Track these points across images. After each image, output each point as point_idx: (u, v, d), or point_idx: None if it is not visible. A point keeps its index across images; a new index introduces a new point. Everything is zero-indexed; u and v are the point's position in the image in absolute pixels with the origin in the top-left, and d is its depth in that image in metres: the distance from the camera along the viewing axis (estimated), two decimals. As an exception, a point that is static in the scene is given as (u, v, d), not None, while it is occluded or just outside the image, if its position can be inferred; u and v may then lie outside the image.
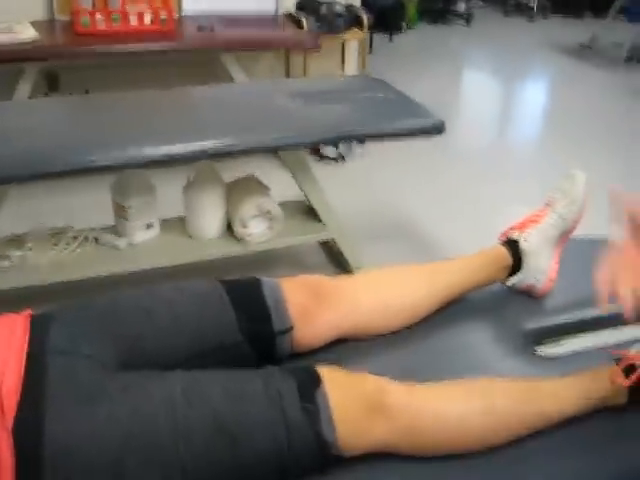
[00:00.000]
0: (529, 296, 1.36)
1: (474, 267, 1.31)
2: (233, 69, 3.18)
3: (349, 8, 3.60)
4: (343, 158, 3.54)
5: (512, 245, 1.36)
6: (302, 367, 0.98)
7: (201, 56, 3.21)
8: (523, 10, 7.40)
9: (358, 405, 0.93)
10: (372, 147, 3.65)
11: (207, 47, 3.05)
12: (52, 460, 0.79)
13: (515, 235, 1.37)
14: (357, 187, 3.30)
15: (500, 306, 1.33)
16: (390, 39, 5.86)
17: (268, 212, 2.29)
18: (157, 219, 2.30)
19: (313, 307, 1.10)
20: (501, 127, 4.58)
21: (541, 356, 1.21)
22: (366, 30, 3.64)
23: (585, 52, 6.16)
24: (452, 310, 1.26)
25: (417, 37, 6.37)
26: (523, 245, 1.34)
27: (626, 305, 0.91)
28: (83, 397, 0.84)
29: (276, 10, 3.45)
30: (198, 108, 2.28)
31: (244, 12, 3.38)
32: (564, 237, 1.39)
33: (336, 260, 2.64)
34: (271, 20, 3.41)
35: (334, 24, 3.51)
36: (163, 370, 0.91)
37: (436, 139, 3.48)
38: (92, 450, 0.81)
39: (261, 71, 3.60)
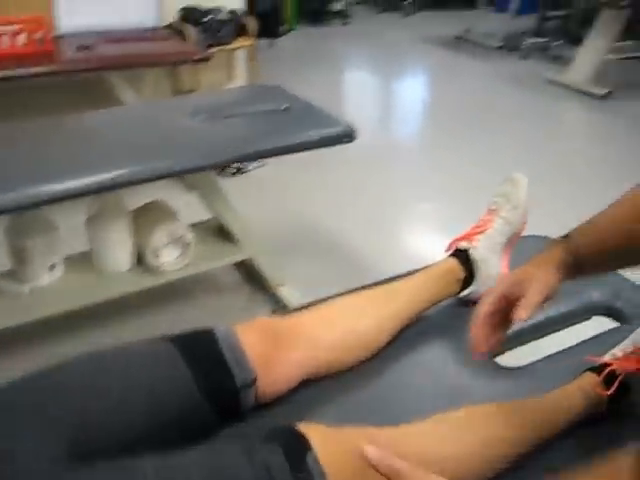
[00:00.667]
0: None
1: (427, 286, 1.25)
2: (120, 88, 3.01)
3: (233, 15, 3.49)
4: (241, 170, 3.44)
5: (461, 256, 1.32)
6: (284, 430, 0.87)
7: (85, 77, 3.02)
8: (396, 6, 7.52)
9: (352, 465, 0.84)
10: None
11: (90, 67, 2.86)
12: None
13: (463, 245, 1.32)
14: (261, 199, 3.21)
15: (451, 321, 1.29)
16: (271, 44, 5.79)
17: (180, 238, 2.16)
18: (61, 257, 2.13)
19: (273, 352, 1.01)
20: (388, 124, 4.61)
21: (505, 366, 1.18)
22: (253, 37, 3.55)
23: (460, 43, 6.34)
24: (407, 334, 1.20)
25: (297, 40, 6.33)
26: (473, 254, 1.31)
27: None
28: None
29: (158, 22, 3.30)
30: (92, 136, 2.09)
31: (125, 26, 3.20)
32: (511, 242, 1.37)
33: (253, 279, 2.54)
34: (154, 33, 3.25)
35: (220, 34, 3.40)
36: (122, 453, 0.79)
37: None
38: None
39: (148, 87, 3.43)
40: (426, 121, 4.77)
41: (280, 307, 2.36)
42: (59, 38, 3.01)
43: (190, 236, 2.17)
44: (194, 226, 2.30)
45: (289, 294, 2.39)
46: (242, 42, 3.54)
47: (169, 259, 2.17)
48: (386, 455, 0.81)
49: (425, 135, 4.42)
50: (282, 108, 2.23)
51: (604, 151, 4.00)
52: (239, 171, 3.39)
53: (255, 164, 3.50)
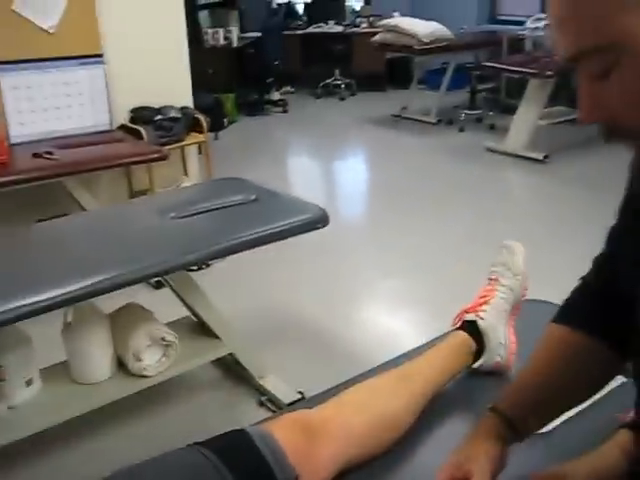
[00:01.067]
0: (496, 375, 1.32)
1: (444, 362, 1.25)
2: (77, 193, 2.99)
3: (185, 111, 3.54)
4: (206, 265, 3.41)
5: (469, 328, 1.32)
6: None
7: (40, 184, 2.98)
8: (332, 91, 7.77)
9: None
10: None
11: (47, 175, 2.84)
12: None
13: (470, 317, 1.33)
14: (230, 291, 3.18)
15: (469, 394, 1.28)
16: (216, 137, 5.87)
17: (162, 339, 2.11)
18: (37, 370, 2.04)
19: (309, 447, 0.98)
20: (336, 206, 4.64)
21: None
22: (206, 132, 3.60)
23: (398, 121, 6.56)
24: (429, 412, 1.18)
25: (240, 131, 6.44)
26: (481, 325, 1.31)
27: None
28: None
29: (110, 124, 3.32)
30: (64, 244, 2.05)
31: (78, 131, 3.21)
32: (515, 309, 1.39)
33: (235, 374, 2.48)
34: (108, 136, 3.26)
35: (172, 131, 3.44)
36: None
37: None
38: None
39: (104, 189, 3.42)
40: (373, 199, 4.87)
41: (267, 399, 2.31)
42: (13, 146, 2.99)
43: (172, 336, 2.12)
44: (172, 325, 2.25)
45: (274, 385, 2.35)
46: (195, 138, 3.58)
47: (151, 361, 2.11)
48: None
49: (375, 213, 4.50)
50: (251, 199, 2.25)
51: (550, 209, 4.15)
52: (203, 266, 3.35)
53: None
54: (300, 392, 2.26)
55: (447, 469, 0.96)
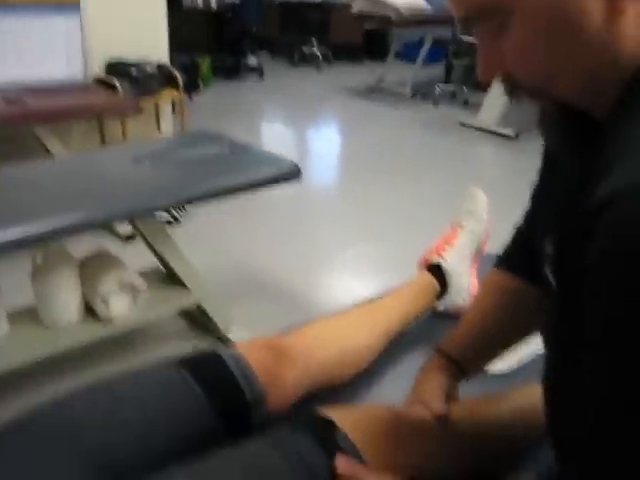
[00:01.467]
0: (455, 318, 1.36)
1: (409, 300, 1.29)
2: (48, 141, 2.97)
3: (161, 68, 3.52)
4: (177, 220, 3.42)
5: (434, 269, 1.36)
6: (308, 417, 0.89)
7: (10, 131, 2.95)
8: (309, 60, 7.74)
9: (379, 434, 0.88)
10: (202, 205, 3.57)
11: (18, 121, 2.81)
12: None
13: (435, 259, 1.37)
14: (200, 247, 3.19)
15: (432, 333, 1.32)
16: (190, 99, 5.82)
17: (130, 285, 2.12)
18: (4, 313, 2.04)
19: (276, 368, 1.01)
20: (308, 172, 4.67)
21: (492, 374, 1.21)
22: (181, 89, 3.58)
23: (373, 93, 6.57)
24: (393, 349, 1.23)
25: (215, 95, 6.40)
26: (445, 267, 1.35)
27: None
28: None
29: (85, 75, 3.28)
30: (36, 187, 2.04)
31: (50, 80, 3.16)
32: (478, 253, 1.43)
33: (200, 326, 2.51)
34: (81, 87, 3.22)
35: (148, 86, 3.41)
36: (146, 474, 0.77)
37: (255, 193, 3.65)
38: None
39: (76, 140, 3.39)
40: (345, 167, 4.88)
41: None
42: (-16, 92, 2.95)
43: (141, 282, 2.13)
44: (141, 274, 2.26)
45: (239, 337, 2.37)
46: (169, 93, 3.55)
47: (119, 307, 2.12)
48: (352, 468, 0.83)
49: (346, 180, 4.52)
50: (225, 152, 2.26)
51: (518, 183, 4.19)
52: (175, 221, 3.36)
53: (187, 214, 3.49)
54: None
55: (405, 407, 1.00)
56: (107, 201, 1.85)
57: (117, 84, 3.20)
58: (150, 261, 2.44)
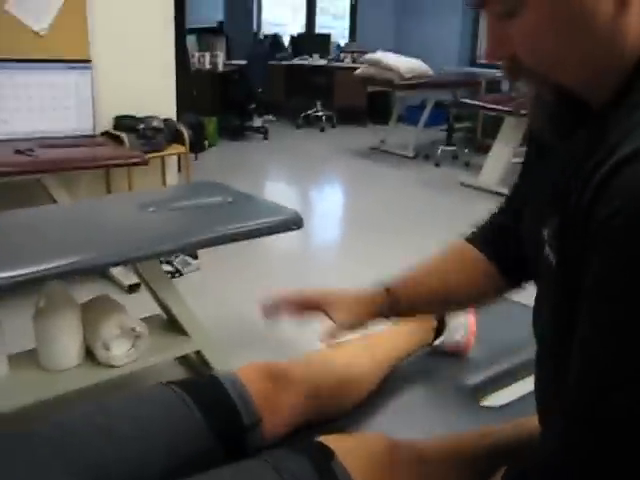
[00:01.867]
0: (455, 355, 1.37)
1: (406, 335, 1.30)
2: (55, 191, 3.02)
3: (168, 124, 3.60)
4: (180, 272, 3.45)
5: None
6: (306, 443, 0.89)
7: (19, 180, 3.01)
8: (312, 122, 7.90)
9: (375, 466, 0.87)
10: (205, 259, 3.61)
11: (27, 170, 2.87)
12: None
13: None
14: (202, 300, 3.21)
15: (433, 370, 1.33)
16: (195, 158, 5.93)
17: (132, 330, 2.14)
18: (5, 356, 2.05)
19: (274, 393, 1.02)
20: (310, 230, 4.71)
21: (489, 407, 1.22)
22: (187, 144, 3.66)
23: (376, 154, 6.68)
24: (390, 382, 1.24)
25: (220, 154, 6.52)
26: None
27: None
28: None
29: (93, 129, 3.37)
30: (36, 230, 2.07)
31: (61, 133, 3.25)
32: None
33: (200, 374, 2.50)
34: (90, 140, 3.30)
35: (154, 140, 3.49)
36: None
37: (259, 246, 3.65)
38: None
39: (82, 191, 3.45)
40: (347, 225, 4.95)
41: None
42: (-4, 143, 3.02)
43: (142, 327, 2.15)
44: (141, 320, 2.28)
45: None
46: (176, 149, 3.63)
47: (120, 352, 2.13)
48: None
49: (348, 238, 4.58)
50: (228, 200, 2.31)
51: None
52: (177, 273, 3.39)
53: (190, 267, 3.52)
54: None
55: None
56: (110, 244, 1.89)
57: (124, 137, 3.28)
58: (152, 311, 2.47)
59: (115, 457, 0.83)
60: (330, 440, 0.90)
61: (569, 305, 0.66)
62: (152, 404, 0.92)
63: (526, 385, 1.20)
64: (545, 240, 0.71)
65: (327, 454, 0.87)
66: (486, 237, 1.07)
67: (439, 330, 1.36)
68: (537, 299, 0.82)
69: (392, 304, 1.02)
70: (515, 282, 1.00)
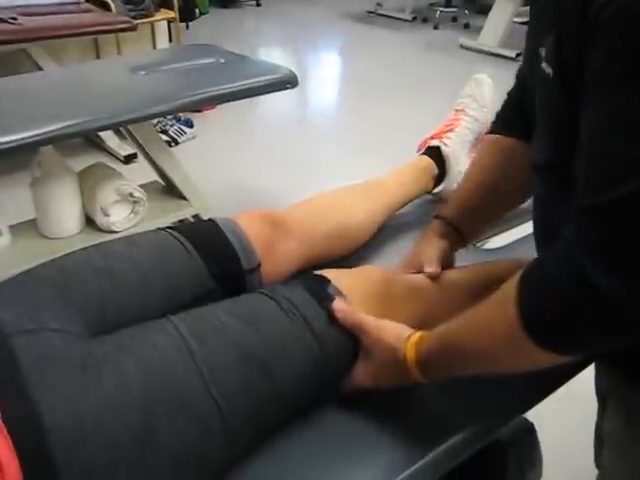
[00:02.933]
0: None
1: (407, 181, 1.30)
2: (42, 60, 2.94)
3: (155, -13, 3.46)
4: (175, 141, 3.41)
5: (433, 152, 1.36)
6: (301, 276, 0.91)
7: (4, 51, 2.91)
8: (307, -14, 7.57)
9: (370, 290, 0.92)
10: (201, 128, 3.56)
11: (11, 39, 2.77)
12: (64, 452, 0.65)
13: (435, 142, 1.37)
14: (199, 167, 3.19)
15: (427, 217, 1.33)
16: (187, 27, 5.72)
17: (130, 195, 2.14)
18: (6, 226, 2.06)
19: (273, 238, 1.02)
20: (308, 94, 4.62)
21: (487, 249, 1.24)
22: (176, 9, 3.52)
23: (373, 18, 6.45)
24: (388, 228, 1.24)
25: (211, 22, 6.28)
26: (445, 150, 1.35)
27: None
28: (76, 369, 0.70)
29: (78, -5, 3.23)
30: (27, 95, 2.00)
31: (44, 1, 3.11)
32: (478, 141, 1.41)
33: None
34: (76, 6, 3.17)
35: (143, 5, 3.36)
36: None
37: (256, 113, 3.57)
38: (110, 423, 0.67)
39: (70, 59, 3.35)
40: (346, 88, 4.86)
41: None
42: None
43: (140, 192, 2.15)
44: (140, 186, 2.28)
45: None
46: (165, 14, 3.50)
47: (119, 217, 2.14)
48: (350, 311, 0.86)
49: (347, 101, 4.51)
50: (221, 61, 2.24)
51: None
52: (173, 142, 3.35)
53: (186, 136, 3.48)
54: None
55: (401, 266, 1.03)
56: (102, 107, 1.85)
57: (111, 3, 3.14)
58: (150, 179, 2.46)
59: (115, 295, 0.84)
60: (326, 273, 0.92)
61: (568, 105, 0.66)
62: (151, 247, 0.92)
63: (525, 229, 1.20)
64: (542, 57, 0.70)
65: (322, 281, 0.89)
66: (507, 117, 1.05)
67: (440, 178, 1.36)
68: (535, 136, 0.81)
69: (458, 234, 1.04)
70: None
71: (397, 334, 0.83)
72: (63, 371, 0.70)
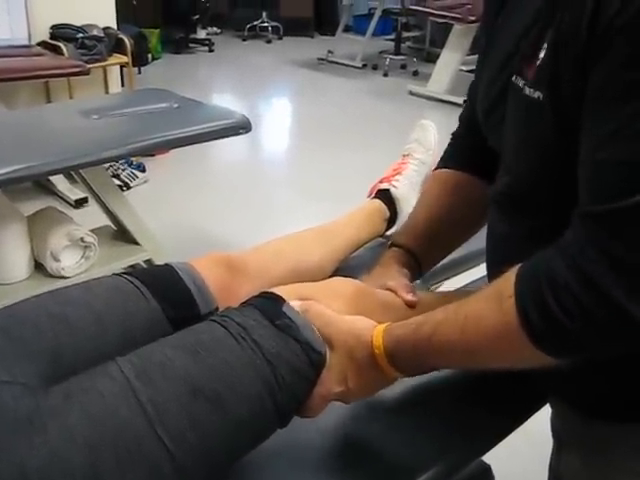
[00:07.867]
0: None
1: (359, 224, 1.31)
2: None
3: (108, 32, 3.47)
4: (128, 186, 3.39)
5: (383, 196, 1.39)
6: (254, 297, 0.89)
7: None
8: (258, 34, 7.68)
9: (348, 308, 0.91)
10: (153, 172, 3.55)
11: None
12: None
13: (384, 185, 1.40)
14: (151, 211, 3.18)
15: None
16: (139, 72, 5.74)
17: (81, 240, 2.11)
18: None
19: (231, 282, 1.02)
20: (259, 137, 4.65)
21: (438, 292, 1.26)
22: (129, 54, 3.53)
23: (324, 65, 6.57)
24: (342, 272, 1.25)
25: (164, 67, 6.32)
26: (395, 193, 1.38)
27: None
28: (23, 425, 0.68)
29: (29, 39, 3.22)
30: None
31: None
32: (425, 181, 1.45)
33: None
34: (26, 50, 3.16)
35: (95, 50, 3.36)
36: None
37: (209, 157, 3.69)
38: (56, 477, 0.66)
39: (21, 103, 3.32)
40: (297, 133, 4.93)
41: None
42: None
43: (91, 237, 2.12)
44: (92, 231, 2.25)
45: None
46: (118, 59, 3.51)
47: (70, 263, 2.11)
48: (313, 302, 0.88)
49: (298, 146, 4.56)
50: (175, 106, 2.26)
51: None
52: (125, 187, 3.33)
53: (138, 181, 3.47)
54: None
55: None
56: (52, 151, 1.83)
57: (63, 47, 3.15)
58: (101, 224, 2.43)
59: (71, 341, 0.83)
60: (278, 290, 0.90)
61: (560, 135, 0.67)
62: (107, 292, 0.91)
63: (478, 272, 1.23)
64: (522, 84, 0.71)
65: (276, 301, 0.87)
66: (453, 154, 1.08)
67: (391, 220, 1.38)
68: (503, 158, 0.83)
69: (415, 262, 1.05)
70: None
71: (363, 320, 0.84)
72: (10, 427, 0.69)
